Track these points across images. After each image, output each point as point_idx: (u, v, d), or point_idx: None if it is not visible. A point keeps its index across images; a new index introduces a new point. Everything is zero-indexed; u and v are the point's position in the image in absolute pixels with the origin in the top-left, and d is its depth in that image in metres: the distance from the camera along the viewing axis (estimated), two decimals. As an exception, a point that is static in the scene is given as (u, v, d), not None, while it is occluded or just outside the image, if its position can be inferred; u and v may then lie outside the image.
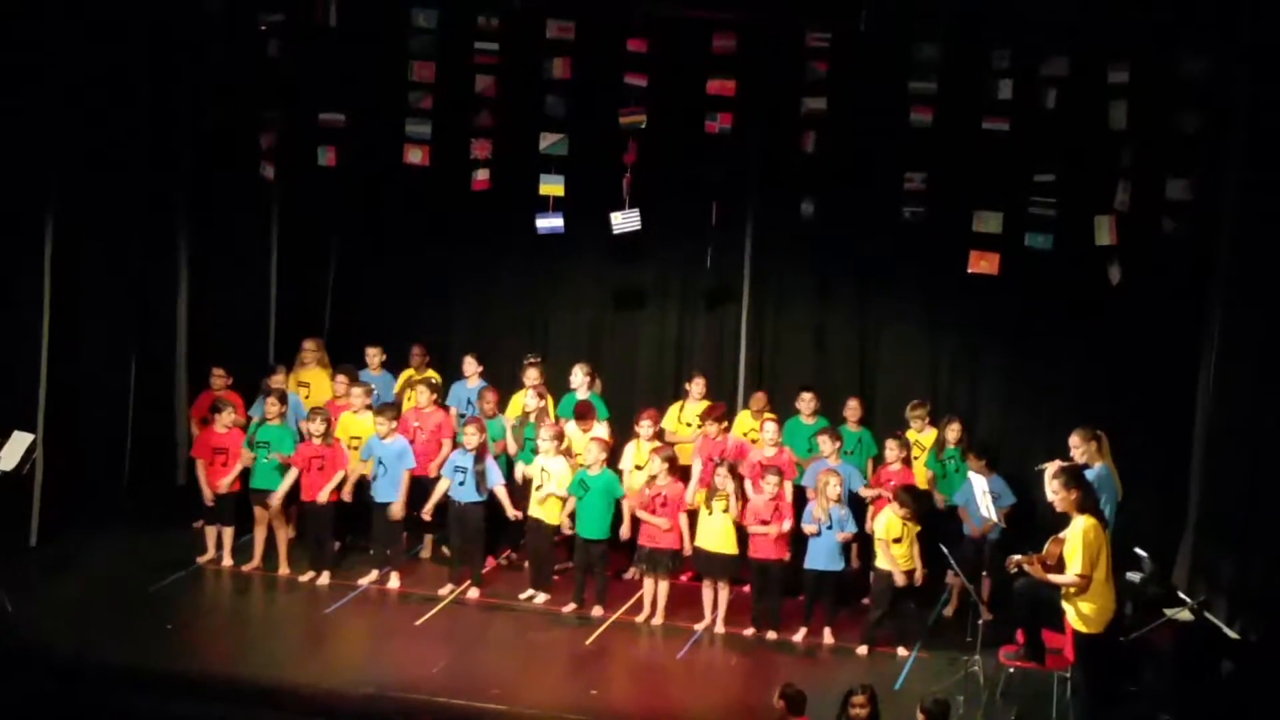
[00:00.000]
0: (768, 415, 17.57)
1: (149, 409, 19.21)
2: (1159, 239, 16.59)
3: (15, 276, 17.15)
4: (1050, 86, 16.64)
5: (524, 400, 17.86)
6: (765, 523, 15.95)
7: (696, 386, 18.23)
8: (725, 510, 16.01)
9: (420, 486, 17.07)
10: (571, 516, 16.78)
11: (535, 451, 17.00)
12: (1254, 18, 15.61)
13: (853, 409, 17.84)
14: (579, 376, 18.12)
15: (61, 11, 16.89)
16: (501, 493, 16.89)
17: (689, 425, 17.94)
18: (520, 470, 17.40)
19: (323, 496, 16.83)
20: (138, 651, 14.83)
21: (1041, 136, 16.73)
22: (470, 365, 18.50)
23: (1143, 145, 16.53)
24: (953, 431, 17.25)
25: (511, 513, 16.90)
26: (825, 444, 16.87)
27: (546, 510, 16.72)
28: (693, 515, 16.46)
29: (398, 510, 16.85)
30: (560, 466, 16.68)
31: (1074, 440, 15.17)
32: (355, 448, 17.27)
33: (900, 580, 15.62)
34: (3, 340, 17.07)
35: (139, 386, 19.11)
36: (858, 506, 16.58)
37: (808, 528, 16.01)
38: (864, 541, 16.51)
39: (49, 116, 17.00)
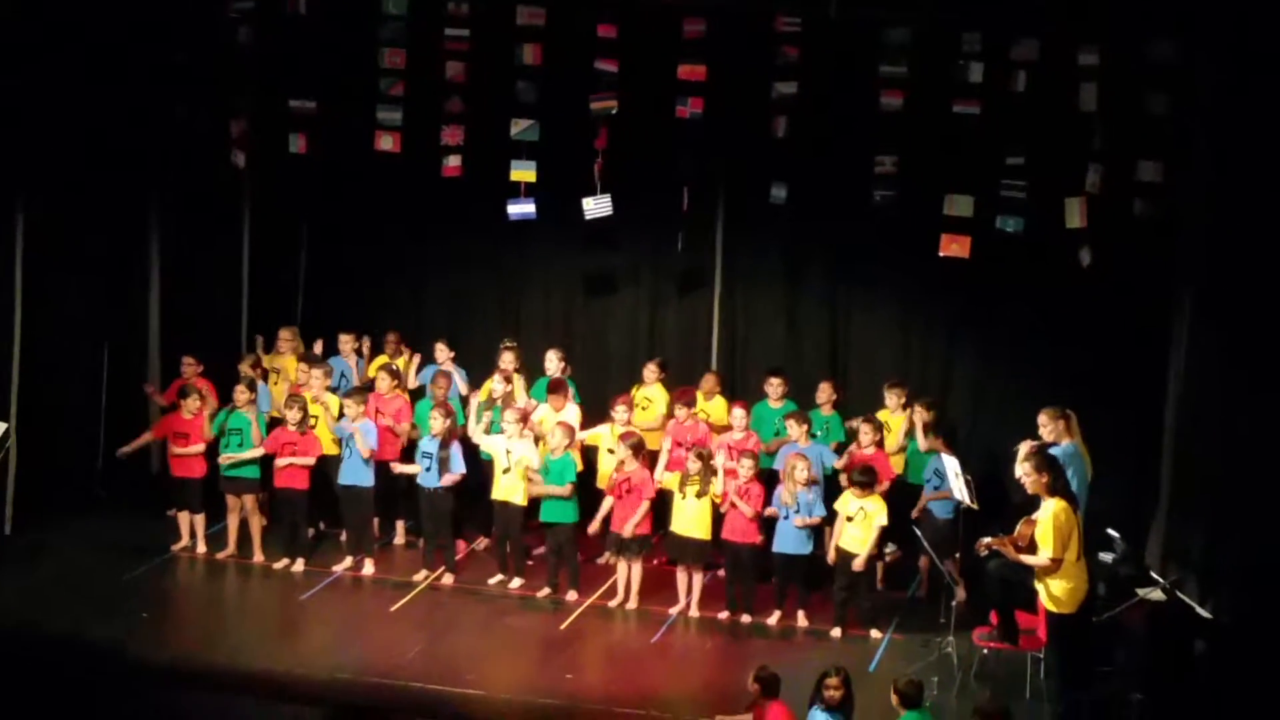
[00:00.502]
0: (737, 401, 17.61)
1: (122, 397, 19.19)
2: (1130, 221, 16.63)
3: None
4: (1020, 69, 16.64)
5: (491, 384, 17.90)
6: (735, 506, 15.98)
7: (649, 371, 18.28)
8: (698, 495, 16.04)
9: (386, 470, 17.11)
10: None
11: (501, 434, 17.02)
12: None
13: (824, 392, 17.87)
14: (553, 362, 18.14)
15: (29, 4, 16.84)
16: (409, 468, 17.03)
17: (642, 409, 17.96)
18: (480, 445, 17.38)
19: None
20: (113, 639, 14.84)
21: (1012, 119, 16.74)
22: (442, 351, 18.49)
23: (1113, 127, 16.57)
24: (920, 413, 17.25)
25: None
26: (793, 427, 16.91)
27: (511, 491, 16.72)
28: (665, 498, 16.49)
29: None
30: (526, 448, 16.69)
31: (1042, 419, 15.29)
32: (312, 428, 17.28)
33: (858, 564, 15.66)
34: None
35: (112, 375, 19.10)
36: (828, 491, 16.62)
37: (770, 511, 16.03)
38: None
39: (19, 106, 16.95)
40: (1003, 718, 11.99)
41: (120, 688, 13.97)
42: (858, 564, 15.64)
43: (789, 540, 16.00)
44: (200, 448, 17.20)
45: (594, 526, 16.60)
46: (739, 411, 17.20)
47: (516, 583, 16.84)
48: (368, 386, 18.04)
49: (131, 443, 17.88)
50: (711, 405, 17.95)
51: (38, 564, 16.57)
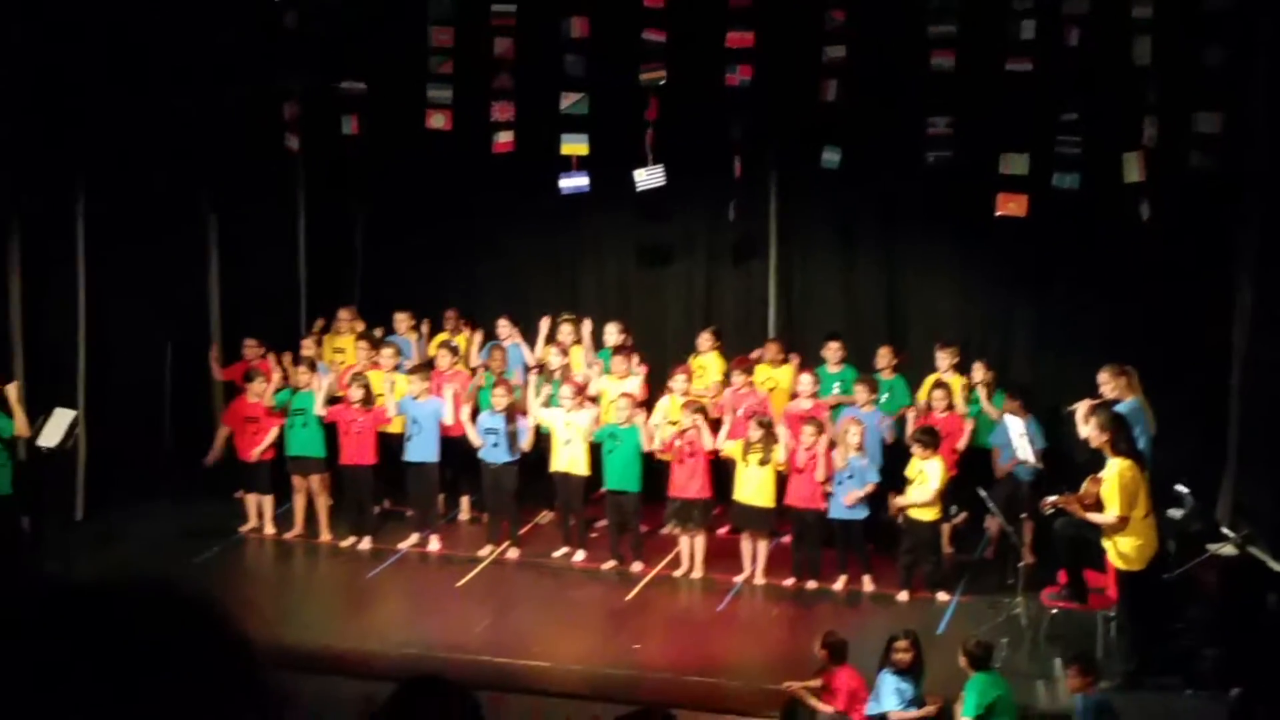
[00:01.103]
0: (803, 368, 17.57)
1: (185, 382, 19.32)
2: (1188, 174, 16.50)
3: (50, 255, 17.19)
4: (1073, 24, 16.54)
5: (548, 356, 17.94)
6: (800, 471, 15.95)
7: (704, 340, 18.28)
8: (761, 463, 16.01)
9: (448, 446, 17.13)
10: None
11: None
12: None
13: (884, 356, 17.80)
14: (613, 334, 18.19)
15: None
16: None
17: (697, 377, 17.95)
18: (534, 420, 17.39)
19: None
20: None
21: (1065, 75, 16.63)
22: (505, 327, 18.52)
23: (1168, 80, 16.43)
24: (977, 372, 17.22)
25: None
26: (862, 393, 16.83)
27: (572, 463, 16.74)
28: (727, 467, 16.47)
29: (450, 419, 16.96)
30: (584, 419, 16.70)
31: (1102, 377, 15.17)
32: (376, 405, 17.34)
33: (893, 509, 15.59)
34: (41, 319, 17.12)
35: (175, 359, 19.21)
36: (889, 455, 16.56)
37: (827, 488, 15.96)
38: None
39: (75, 100, 17.03)
40: (984, 653, 12.00)
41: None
42: (893, 509, 15.53)
43: (842, 505, 15.95)
44: (274, 434, 17.27)
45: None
46: (806, 378, 17.16)
47: (580, 555, 16.85)
48: (428, 364, 18.09)
49: (213, 447, 17.98)
50: (779, 373, 17.90)
51: (109, 549, 16.65)
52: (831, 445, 16.14)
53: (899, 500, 14.76)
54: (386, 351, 17.80)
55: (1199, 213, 16.88)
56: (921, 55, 17.01)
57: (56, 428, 15.96)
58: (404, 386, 17.32)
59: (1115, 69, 16.47)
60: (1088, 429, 13.81)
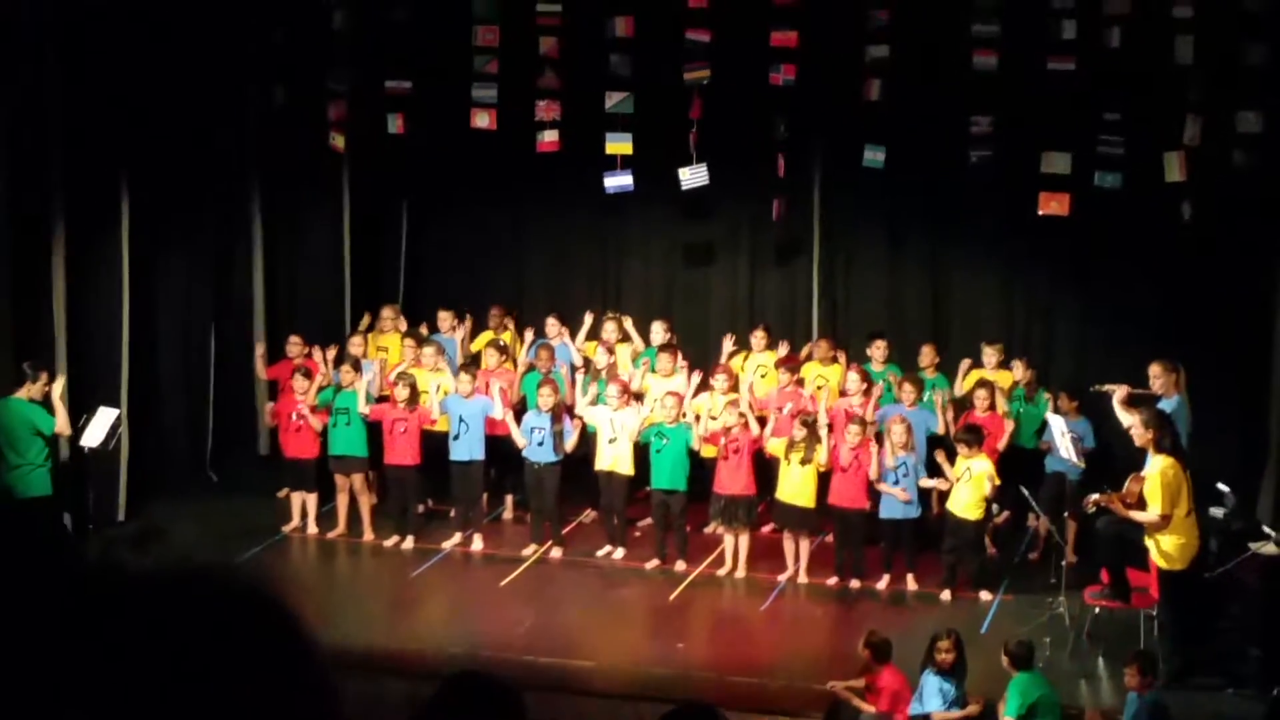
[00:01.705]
0: (852, 366, 17.60)
1: (229, 380, 19.45)
2: (1230, 173, 16.49)
3: (94, 254, 17.29)
4: (1114, 24, 16.57)
5: (593, 354, 18.03)
6: (844, 471, 15.98)
7: (758, 338, 18.32)
8: (803, 462, 16.03)
9: (491, 444, 17.17)
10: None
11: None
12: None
13: (927, 355, 17.84)
14: (659, 332, 18.27)
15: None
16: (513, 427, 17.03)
17: (761, 376, 17.99)
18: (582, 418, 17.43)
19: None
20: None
21: (1107, 75, 16.66)
22: (553, 326, 18.60)
23: (1209, 79, 16.43)
24: (1019, 371, 17.25)
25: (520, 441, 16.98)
26: (908, 392, 16.84)
27: (616, 462, 16.81)
28: (771, 466, 16.52)
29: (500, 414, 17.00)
30: (630, 418, 16.77)
31: (1154, 370, 15.06)
32: (421, 404, 17.39)
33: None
34: (85, 317, 17.23)
35: (219, 358, 19.33)
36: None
37: (882, 486, 15.96)
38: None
39: (120, 102, 17.15)
40: (1027, 653, 12.03)
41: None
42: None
43: (895, 504, 15.97)
44: (318, 427, 17.32)
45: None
46: (854, 376, 17.17)
47: (620, 552, 16.91)
48: (475, 361, 18.19)
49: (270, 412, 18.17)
50: (829, 370, 17.94)
51: (152, 549, 16.75)
52: (880, 443, 16.16)
53: (1097, 497, 14.39)
54: (427, 350, 17.88)
55: (1241, 212, 16.87)
56: (964, 55, 17.06)
57: (99, 427, 16.07)
58: (447, 385, 17.38)
59: (1156, 68, 16.50)
60: (1130, 421, 13.80)
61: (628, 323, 18.63)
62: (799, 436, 16.01)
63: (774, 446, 16.42)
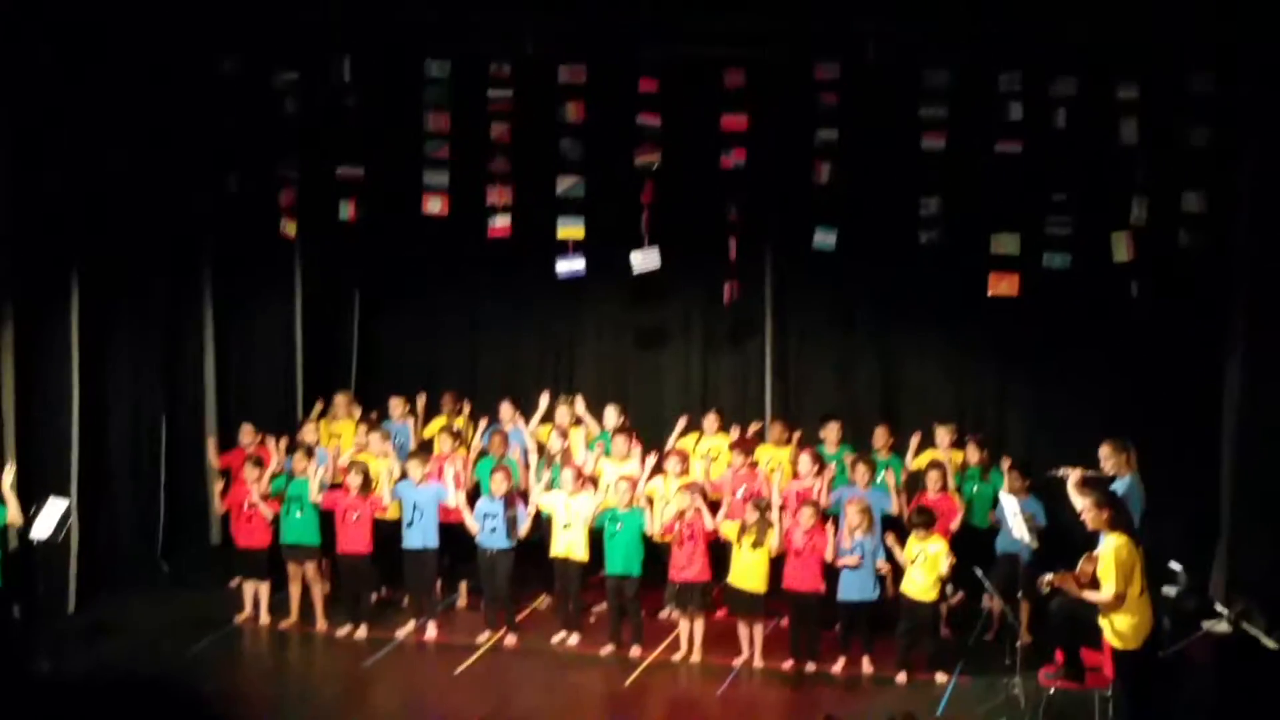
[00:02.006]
0: (805, 449, 17.63)
1: (180, 469, 19.37)
2: (1177, 252, 16.61)
3: (44, 343, 17.23)
4: (1060, 106, 16.71)
5: (548, 440, 18.01)
6: (798, 554, 15.97)
7: (710, 423, 18.34)
8: (755, 546, 16.02)
9: (447, 532, 17.12)
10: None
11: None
12: (1257, 31, 15.70)
13: (880, 436, 17.90)
14: (612, 416, 18.30)
15: (82, 78, 17.02)
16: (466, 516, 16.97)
17: (702, 457, 18.04)
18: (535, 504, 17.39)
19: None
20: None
21: (1054, 156, 16.78)
22: (507, 410, 18.62)
23: (1155, 160, 16.57)
24: (973, 451, 17.32)
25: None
26: (862, 473, 16.89)
27: (571, 548, 16.76)
28: (724, 548, 16.51)
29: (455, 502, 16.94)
30: (584, 503, 16.74)
31: (1104, 451, 15.10)
32: (373, 492, 17.32)
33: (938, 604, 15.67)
34: (34, 407, 17.15)
35: (170, 447, 19.25)
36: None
37: (845, 560, 15.96)
38: (896, 569, 16.52)
39: (70, 189, 17.14)
40: None
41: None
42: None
43: (852, 586, 15.97)
44: (270, 516, 17.24)
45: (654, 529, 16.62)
46: (805, 458, 17.20)
47: (575, 638, 16.84)
48: (427, 448, 18.16)
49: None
50: (783, 453, 17.96)
51: (103, 641, 16.62)
52: (835, 526, 16.18)
53: (1051, 577, 14.39)
54: (374, 437, 17.83)
55: (1188, 291, 17.00)
56: (913, 137, 17.15)
57: (49, 518, 15.95)
58: (394, 470, 17.32)
59: (1103, 150, 16.61)
60: (1081, 503, 13.85)
61: (580, 406, 18.64)
62: (751, 520, 16.02)
63: (727, 530, 16.40)
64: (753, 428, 18.54)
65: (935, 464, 17.12)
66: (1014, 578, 15.88)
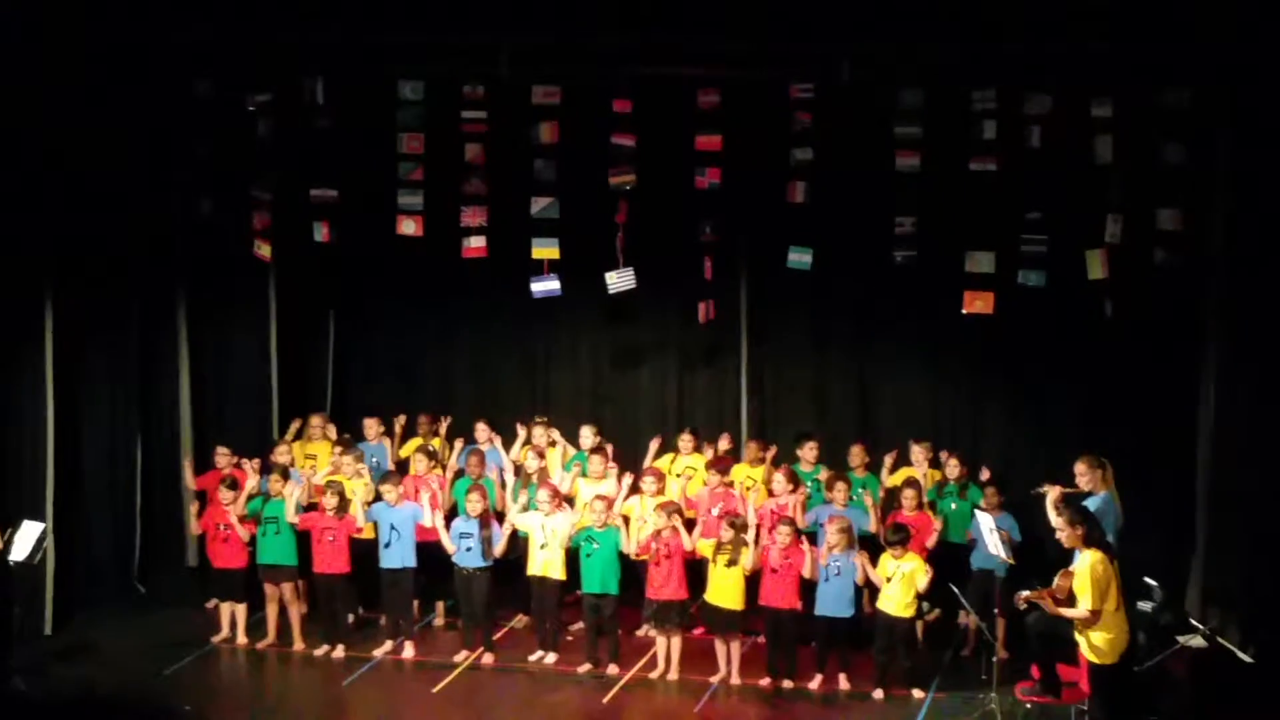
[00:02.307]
0: (780, 465, 17.65)
1: (156, 491, 19.33)
2: (1152, 269, 16.67)
3: (18, 365, 17.23)
4: (1034, 124, 16.75)
5: (524, 460, 18.02)
6: (775, 572, 15.98)
7: (685, 442, 18.37)
8: (729, 564, 16.03)
9: (424, 552, 17.11)
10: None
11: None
12: (1231, 48, 15.77)
13: (856, 455, 17.93)
14: (588, 436, 18.32)
15: (55, 100, 17.02)
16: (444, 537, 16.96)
17: (678, 476, 18.04)
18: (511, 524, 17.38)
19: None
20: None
21: (1028, 174, 16.82)
22: (483, 431, 18.64)
23: (1130, 178, 16.62)
24: (952, 468, 17.38)
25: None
26: (839, 492, 16.93)
27: (548, 567, 16.76)
28: (701, 566, 16.52)
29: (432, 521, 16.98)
30: (561, 523, 16.75)
31: (1079, 468, 15.16)
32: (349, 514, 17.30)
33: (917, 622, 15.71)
34: (9, 430, 17.14)
35: (145, 469, 19.22)
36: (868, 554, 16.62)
37: (816, 574, 16.01)
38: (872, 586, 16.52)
39: (46, 207, 17.13)
40: None
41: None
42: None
43: (830, 603, 15.99)
44: (246, 537, 17.23)
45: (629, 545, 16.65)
46: (780, 476, 17.22)
47: (551, 657, 16.84)
48: (402, 468, 18.15)
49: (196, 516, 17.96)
50: (758, 472, 17.98)
51: (79, 663, 16.57)
52: (811, 543, 16.22)
53: (1027, 594, 14.38)
54: (347, 458, 17.80)
55: (1163, 308, 17.05)
56: (887, 156, 17.18)
57: (25, 541, 15.93)
58: (367, 491, 17.33)
59: (1077, 168, 16.66)
60: (1057, 521, 13.89)
61: (555, 434, 18.64)
62: (726, 538, 16.04)
63: (703, 548, 16.41)
64: (722, 444, 18.52)
65: (911, 481, 17.17)
66: (990, 594, 15.91)
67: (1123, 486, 15.33)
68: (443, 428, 19.23)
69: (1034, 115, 16.74)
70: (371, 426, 19.02)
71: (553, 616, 16.95)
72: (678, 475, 18.08)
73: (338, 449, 18.23)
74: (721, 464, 17.78)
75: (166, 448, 19.48)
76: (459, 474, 18.19)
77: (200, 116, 18.32)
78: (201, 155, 18.45)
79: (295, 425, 19.22)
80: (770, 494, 17.36)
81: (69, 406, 17.76)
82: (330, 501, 17.00)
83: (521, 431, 18.64)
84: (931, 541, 16.64)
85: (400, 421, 19.27)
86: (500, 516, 17.32)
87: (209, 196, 18.64)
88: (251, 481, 17.49)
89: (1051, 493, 14.60)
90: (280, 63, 18.06)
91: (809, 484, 17.56)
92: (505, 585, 17.32)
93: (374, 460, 18.37)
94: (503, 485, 17.93)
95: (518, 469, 18.05)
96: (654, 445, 18.49)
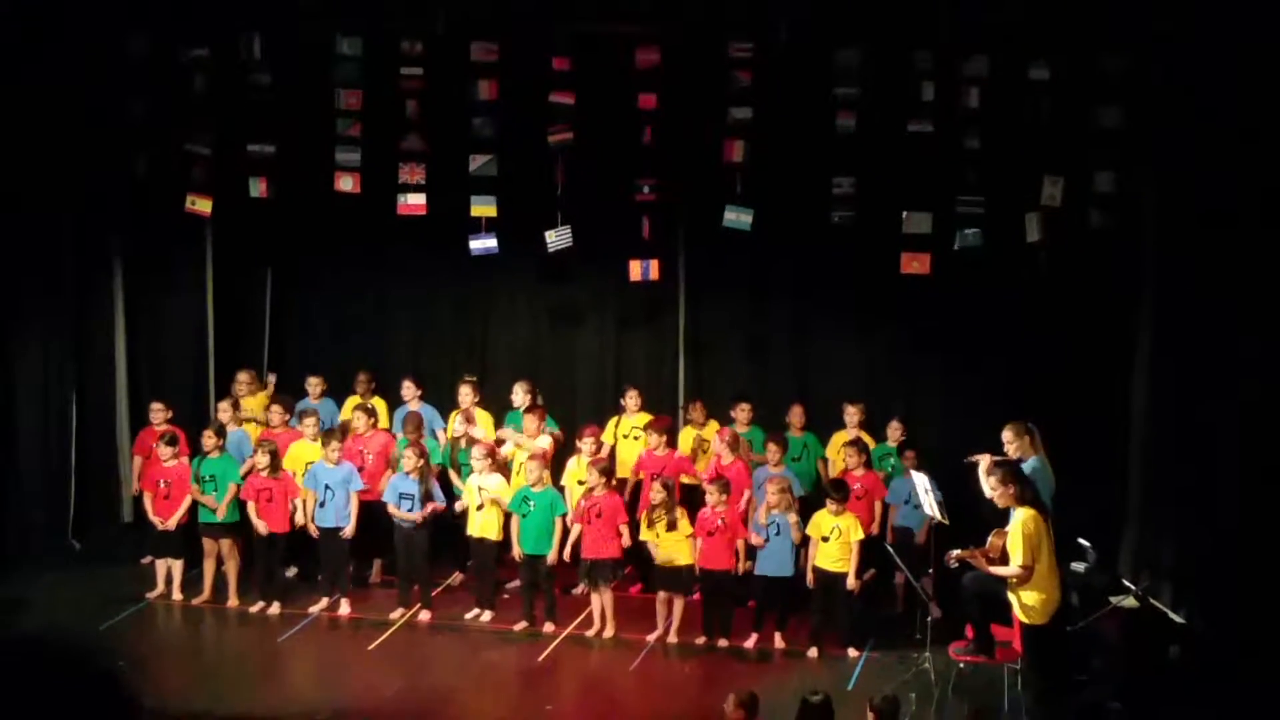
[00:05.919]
0: (722, 430, 17.68)
1: (92, 447, 19.24)
2: (1088, 232, 16.74)
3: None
4: (972, 86, 16.78)
5: (454, 424, 18.00)
6: (710, 534, 16.03)
7: (631, 400, 18.39)
8: (668, 528, 16.07)
9: (369, 510, 17.10)
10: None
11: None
12: (1167, 11, 15.85)
13: (796, 415, 17.99)
14: (519, 395, 18.25)
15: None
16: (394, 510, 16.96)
17: (625, 437, 18.07)
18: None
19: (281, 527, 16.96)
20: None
21: (966, 136, 16.86)
22: (409, 389, 18.59)
23: (1067, 140, 16.68)
24: (893, 431, 17.48)
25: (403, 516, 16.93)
26: (773, 452, 16.98)
27: (486, 528, 16.78)
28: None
29: (350, 533, 16.91)
30: (496, 482, 16.76)
31: (1007, 435, 15.17)
32: (285, 470, 17.35)
33: (851, 583, 15.77)
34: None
35: (80, 425, 19.12)
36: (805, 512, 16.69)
37: (755, 539, 16.08)
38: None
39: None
40: (892, 709, 12.04)
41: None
42: (851, 583, 15.74)
43: (770, 563, 16.06)
44: (186, 503, 17.19)
45: (556, 556, 16.63)
46: (773, 446, 17.21)
47: (488, 616, 16.87)
48: (342, 428, 18.10)
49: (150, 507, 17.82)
50: (705, 432, 18.02)
51: (14, 618, 16.51)
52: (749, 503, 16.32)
53: (959, 553, 14.40)
54: (308, 422, 17.76)
55: (1099, 271, 17.13)
56: (826, 116, 17.18)
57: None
58: (308, 454, 17.31)
59: (1015, 130, 16.71)
60: (990, 483, 13.95)
61: (484, 419, 18.50)
62: (657, 499, 16.09)
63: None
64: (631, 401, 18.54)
65: (856, 441, 17.24)
66: (909, 550, 16.06)
67: (1057, 449, 15.40)
68: (374, 398, 19.05)
69: (972, 76, 16.77)
70: (315, 385, 18.96)
71: (489, 575, 16.98)
72: (624, 436, 18.09)
73: (275, 409, 18.17)
74: (659, 424, 17.78)
75: (102, 404, 19.37)
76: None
77: (135, 71, 18.18)
78: (137, 111, 18.30)
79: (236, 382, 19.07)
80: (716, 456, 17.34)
81: (3, 364, 17.65)
82: (262, 460, 16.96)
83: (464, 394, 18.54)
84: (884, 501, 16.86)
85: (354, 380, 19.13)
86: (439, 475, 17.33)
87: (145, 152, 18.50)
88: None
89: (983, 461, 14.67)
90: (217, 17, 17.93)
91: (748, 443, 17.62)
92: (443, 544, 17.34)
93: (326, 415, 18.39)
94: (442, 444, 17.99)
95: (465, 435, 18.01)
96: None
